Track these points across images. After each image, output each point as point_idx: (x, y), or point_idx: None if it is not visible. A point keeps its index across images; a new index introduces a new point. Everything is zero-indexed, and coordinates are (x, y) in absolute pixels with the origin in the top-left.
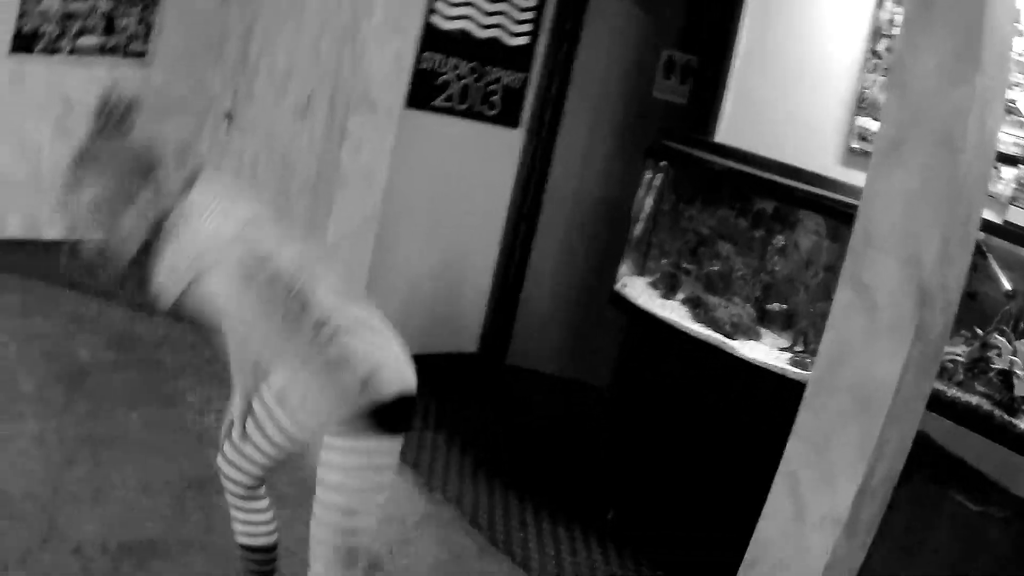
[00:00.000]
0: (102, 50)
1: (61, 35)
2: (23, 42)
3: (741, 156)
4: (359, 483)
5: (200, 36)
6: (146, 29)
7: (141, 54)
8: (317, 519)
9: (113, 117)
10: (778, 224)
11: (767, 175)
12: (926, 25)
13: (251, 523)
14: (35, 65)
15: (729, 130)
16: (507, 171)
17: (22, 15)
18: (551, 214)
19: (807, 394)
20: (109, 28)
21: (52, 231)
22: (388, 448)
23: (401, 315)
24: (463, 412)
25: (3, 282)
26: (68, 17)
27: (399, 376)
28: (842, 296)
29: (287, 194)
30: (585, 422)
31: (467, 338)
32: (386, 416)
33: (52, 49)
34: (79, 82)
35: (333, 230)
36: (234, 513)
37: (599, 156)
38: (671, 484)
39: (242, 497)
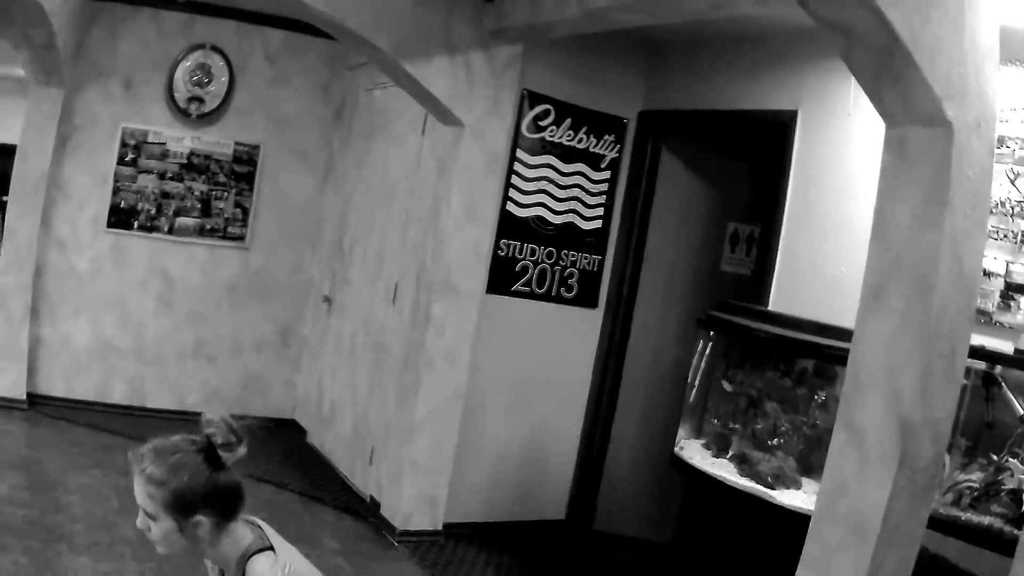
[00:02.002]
0: (200, 231)
1: (158, 214)
2: (121, 218)
3: (783, 320)
4: None
5: (296, 221)
6: (243, 213)
7: (240, 237)
8: None
9: (226, 441)
10: (818, 380)
11: (803, 336)
12: (901, 175)
13: None
14: (135, 241)
15: (779, 295)
16: (588, 347)
17: (116, 191)
18: (630, 384)
19: (811, 526)
20: (206, 210)
21: (154, 400)
22: None
23: (492, 484)
24: (539, 573)
25: (111, 443)
26: (165, 196)
27: None
28: (838, 436)
29: (380, 369)
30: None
31: (555, 505)
32: None
33: (150, 228)
34: (178, 261)
35: (422, 405)
36: None
37: (672, 328)
38: None
39: None
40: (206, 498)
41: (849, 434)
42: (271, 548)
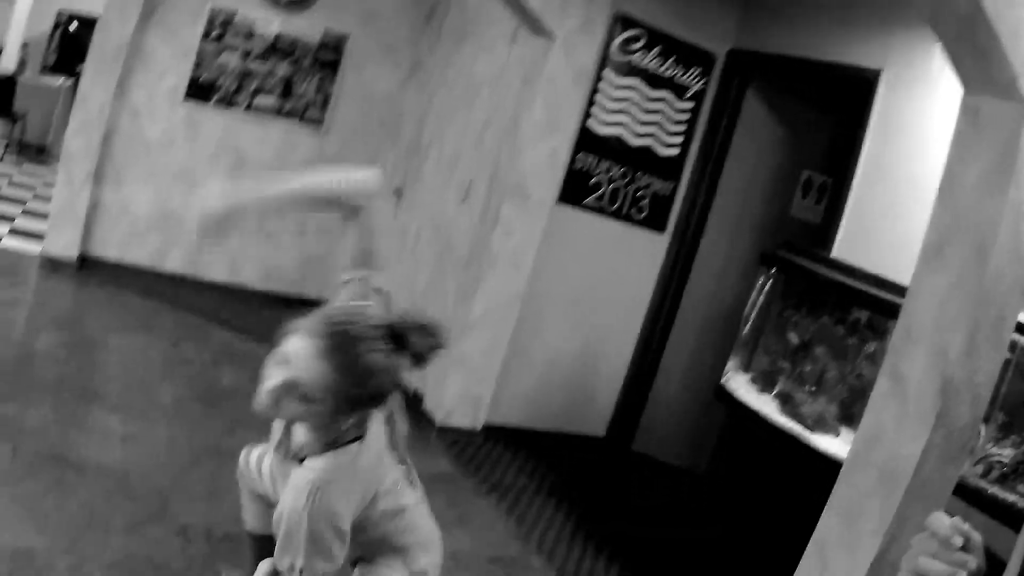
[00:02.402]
0: (278, 112)
1: (238, 91)
2: (199, 91)
3: (845, 269)
4: None
5: (376, 113)
6: (323, 99)
7: (318, 122)
8: None
9: (407, 333)
10: (870, 332)
11: (862, 286)
12: (972, 140)
13: None
14: (211, 114)
15: (843, 245)
16: (650, 271)
17: (198, 64)
18: (687, 313)
19: (843, 470)
20: (287, 92)
21: (210, 272)
22: None
23: (536, 392)
24: (577, 487)
25: (160, 311)
26: (246, 75)
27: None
28: (881, 384)
29: (443, 268)
30: (684, 505)
31: (596, 422)
32: None
33: (228, 102)
34: (253, 139)
35: (480, 304)
36: None
37: (735, 263)
38: (748, 564)
39: None
40: (369, 404)
41: (892, 384)
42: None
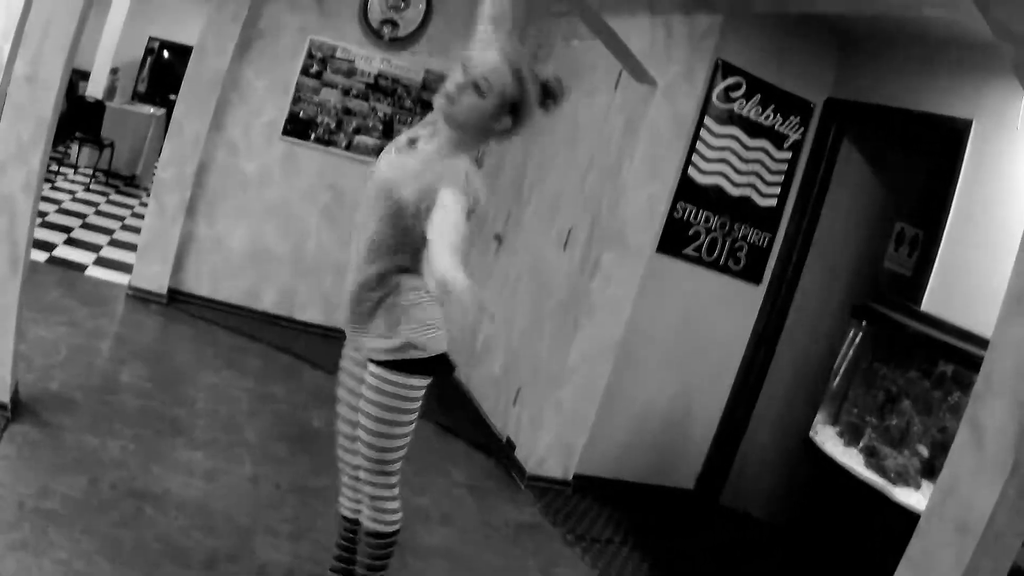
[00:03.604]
0: (379, 152)
1: (338, 129)
2: (297, 128)
3: (933, 322)
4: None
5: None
6: None
7: None
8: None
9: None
10: (955, 385)
11: (948, 339)
12: None
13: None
14: (309, 152)
15: (934, 298)
16: (745, 322)
17: (296, 100)
18: (779, 366)
19: (920, 521)
20: (387, 132)
21: (303, 313)
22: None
23: (627, 443)
24: (663, 540)
25: (251, 349)
26: (346, 113)
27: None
28: (961, 436)
29: (540, 313)
30: (768, 559)
31: (686, 475)
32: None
33: (327, 141)
34: (352, 178)
35: (576, 352)
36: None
37: (828, 315)
38: None
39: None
40: (512, 127)
41: (971, 434)
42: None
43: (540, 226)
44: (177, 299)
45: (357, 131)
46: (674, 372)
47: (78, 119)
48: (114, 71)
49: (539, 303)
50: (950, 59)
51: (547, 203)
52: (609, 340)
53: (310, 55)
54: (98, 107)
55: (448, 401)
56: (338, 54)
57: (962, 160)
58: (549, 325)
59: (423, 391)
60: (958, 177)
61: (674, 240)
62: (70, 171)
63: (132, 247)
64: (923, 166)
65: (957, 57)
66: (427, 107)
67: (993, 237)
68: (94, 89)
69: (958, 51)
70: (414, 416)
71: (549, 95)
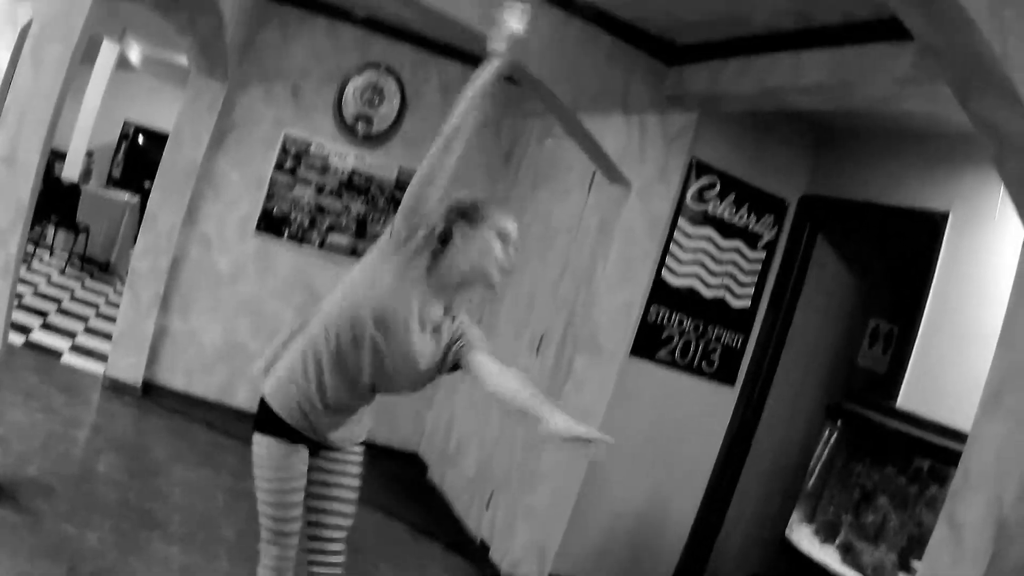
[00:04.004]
0: (352, 252)
1: (311, 226)
2: (271, 224)
3: (908, 418)
4: None
5: None
6: None
7: None
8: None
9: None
10: (931, 480)
11: (924, 435)
12: None
13: None
14: (283, 249)
15: (909, 393)
16: (719, 423)
17: (270, 196)
18: (753, 465)
19: None
20: (360, 231)
21: None
22: None
23: (602, 543)
24: None
25: (226, 445)
26: (320, 210)
27: None
28: (939, 531)
29: (512, 418)
30: None
31: (661, 574)
32: None
33: (301, 238)
34: (326, 276)
35: (549, 455)
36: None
37: (802, 415)
38: None
39: None
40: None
41: (949, 530)
42: None
43: (513, 329)
44: (152, 391)
45: (331, 229)
46: (648, 473)
47: (54, 201)
48: (89, 154)
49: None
50: (927, 151)
51: (520, 307)
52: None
53: (284, 150)
54: (74, 190)
55: (422, 501)
56: (312, 149)
57: (939, 253)
58: (522, 428)
59: None
60: (935, 270)
61: (648, 343)
62: (46, 253)
63: (107, 335)
64: (898, 261)
65: (934, 149)
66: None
67: (970, 330)
68: (70, 171)
69: (935, 142)
70: None
71: (464, 216)
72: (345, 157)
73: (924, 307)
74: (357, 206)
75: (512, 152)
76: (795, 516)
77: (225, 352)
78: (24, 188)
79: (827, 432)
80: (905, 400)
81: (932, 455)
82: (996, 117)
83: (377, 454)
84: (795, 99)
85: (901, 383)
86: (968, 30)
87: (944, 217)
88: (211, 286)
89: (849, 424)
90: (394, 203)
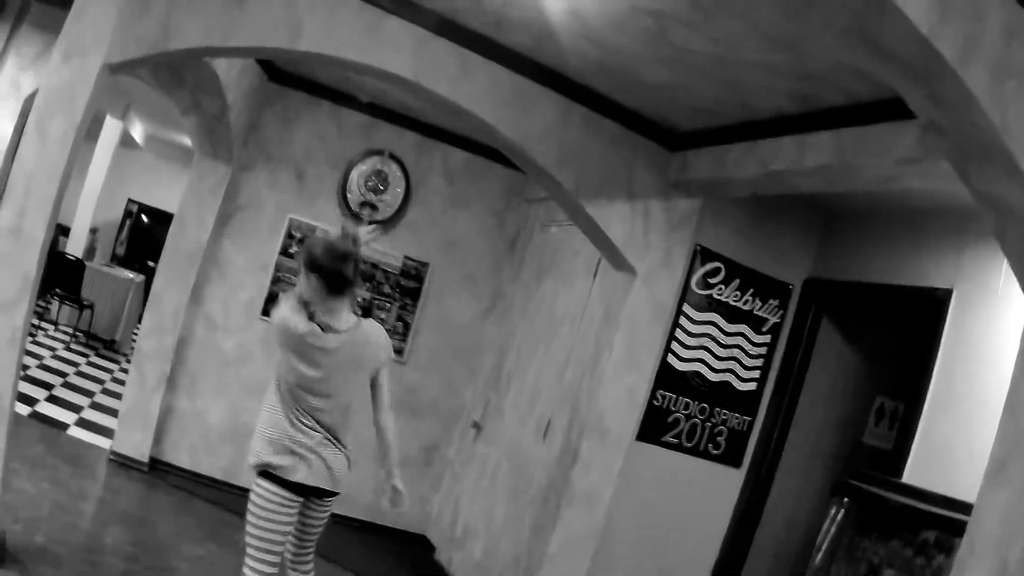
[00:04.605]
0: None
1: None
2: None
3: (914, 492)
4: None
5: (455, 344)
6: (403, 327)
7: (398, 351)
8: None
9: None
10: (938, 551)
11: (930, 507)
12: None
13: None
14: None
15: (915, 468)
16: (725, 505)
17: (275, 280)
18: (760, 546)
19: None
20: (366, 317)
21: None
22: None
23: None
24: None
25: (233, 523)
26: None
27: None
28: None
29: (520, 501)
30: None
31: None
32: None
33: None
34: None
35: (556, 540)
36: None
37: (809, 496)
38: None
39: None
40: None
41: None
42: None
43: (519, 414)
44: (158, 468)
45: None
46: (655, 556)
47: (59, 275)
48: (93, 231)
49: (518, 491)
50: (928, 229)
51: (526, 393)
52: (589, 528)
53: (289, 235)
54: (78, 265)
55: None
56: (318, 235)
57: (943, 330)
58: (529, 513)
59: None
60: (939, 346)
61: (654, 428)
62: (50, 327)
63: (112, 411)
64: (903, 339)
65: (935, 226)
66: (406, 293)
67: (975, 403)
68: (74, 247)
69: (936, 220)
70: None
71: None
72: None
73: (929, 383)
74: (363, 292)
75: (517, 238)
76: None
77: (230, 433)
78: (30, 260)
79: (834, 509)
80: (911, 475)
81: (938, 526)
82: (997, 189)
83: (385, 535)
84: (799, 182)
85: (907, 458)
86: (969, 103)
87: (948, 294)
88: (217, 367)
89: (856, 500)
90: (399, 289)
